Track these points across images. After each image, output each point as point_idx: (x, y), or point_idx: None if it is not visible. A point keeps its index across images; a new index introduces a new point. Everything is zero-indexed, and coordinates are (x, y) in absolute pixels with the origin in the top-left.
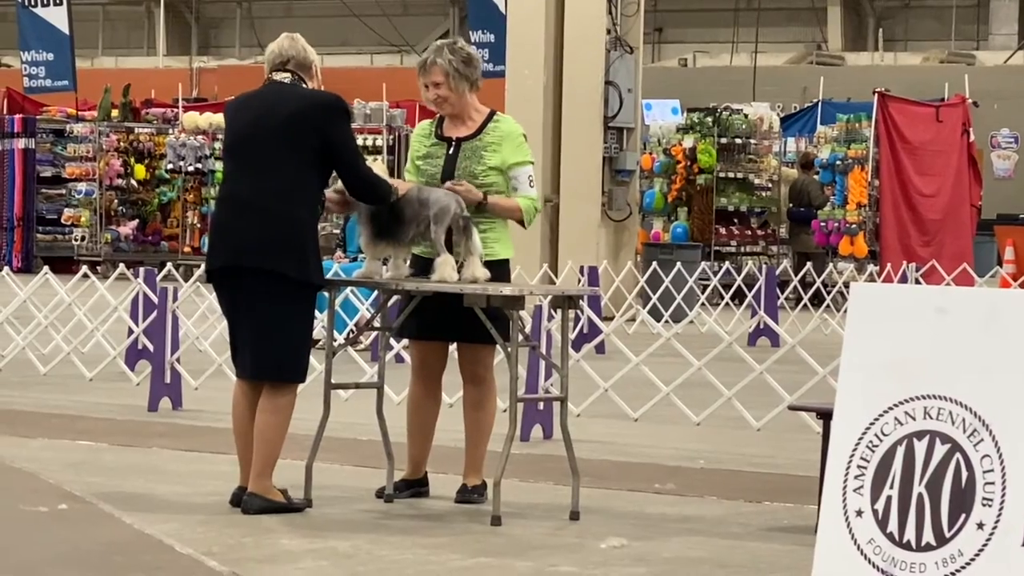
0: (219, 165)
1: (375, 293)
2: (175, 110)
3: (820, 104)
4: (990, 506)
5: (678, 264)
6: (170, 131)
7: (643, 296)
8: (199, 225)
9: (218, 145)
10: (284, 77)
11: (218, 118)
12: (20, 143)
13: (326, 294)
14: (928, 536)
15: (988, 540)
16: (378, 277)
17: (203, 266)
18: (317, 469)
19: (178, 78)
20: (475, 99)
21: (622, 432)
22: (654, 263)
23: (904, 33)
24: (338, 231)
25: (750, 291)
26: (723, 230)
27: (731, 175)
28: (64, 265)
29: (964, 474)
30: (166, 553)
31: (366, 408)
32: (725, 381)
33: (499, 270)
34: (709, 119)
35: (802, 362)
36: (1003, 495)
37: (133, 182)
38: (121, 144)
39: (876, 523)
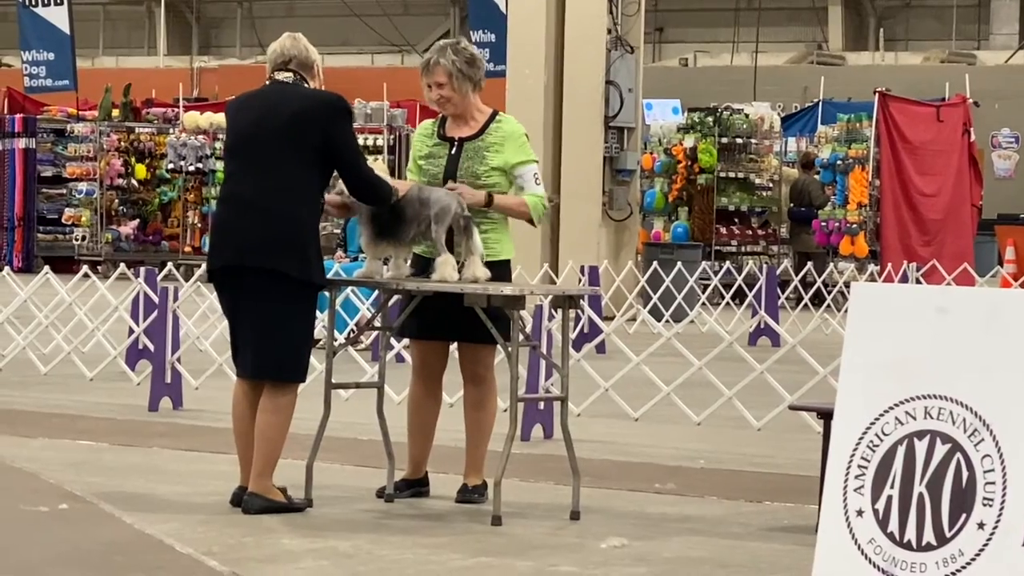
0: (220, 165)
1: (376, 293)
2: (176, 110)
3: (821, 104)
4: (991, 506)
5: (679, 264)
6: (171, 131)
7: (644, 296)
8: (200, 225)
9: (219, 145)
10: (286, 77)
11: (219, 118)
12: (21, 143)
13: (327, 294)
14: (929, 536)
15: (989, 540)
16: (379, 277)
17: (204, 266)
18: (318, 469)
19: (179, 78)
20: (478, 99)
21: (623, 432)
22: (655, 263)
23: (905, 33)
24: (339, 231)
25: (751, 291)
26: (724, 230)
27: (732, 175)
28: (65, 265)
29: (965, 474)
30: (166, 553)
31: (367, 408)
32: (726, 381)
33: (500, 270)
34: (710, 119)
35: (803, 362)
36: (1004, 495)
37: (134, 182)
38: (122, 144)
39: (877, 523)
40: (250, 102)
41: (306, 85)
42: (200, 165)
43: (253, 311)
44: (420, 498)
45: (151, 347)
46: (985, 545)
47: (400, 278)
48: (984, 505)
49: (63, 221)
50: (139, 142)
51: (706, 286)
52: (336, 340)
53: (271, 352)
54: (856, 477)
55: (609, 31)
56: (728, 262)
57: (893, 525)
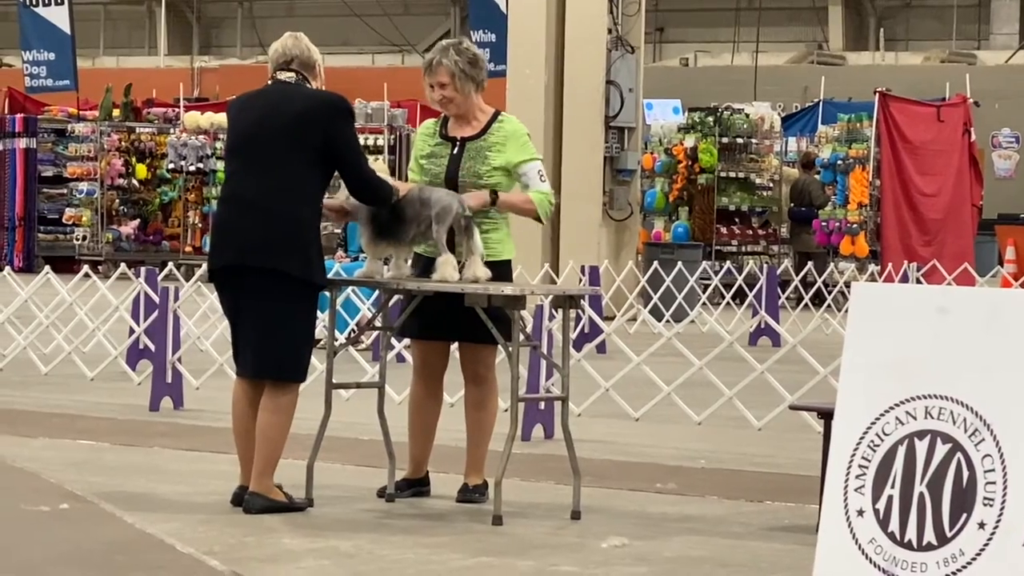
0: (220, 165)
1: (376, 292)
2: (176, 110)
3: (821, 104)
4: (991, 506)
5: (679, 264)
6: (171, 131)
7: (644, 296)
8: (200, 225)
9: (219, 145)
10: (288, 77)
11: (219, 118)
12: (21, 143)
13: (327, 294)
14: (929, 536)
15: (989, 540)
16: (379, 277)
17: (204, 266)
18: (318, 469)
19: (179, 78)
20: (480, 99)
21: (623, 432)
22: (655, 263)
23: (905, 33)
24: (339, 231)
25: (751, 291)
26: (724, 230)
27: (732, 175)
28: (65, 265)
29: (965, 474)
30: (167, 552)
31: (367, 408)
32: (726, 381)
33: (502, 270)
34: (710, 119)
35: (803, 362)
36: (1004, 495)
37: (134, 182)
38: (122, 144)
39: (877, 523)
40: (252, 102)
41: (308, 85)
42: (201, 165)
43: (254, 311)
44: (421, 498)
45: (152, 347)
46: (986, 545)
47: (401, 278)
48: (985, 505)
49: (64, 221)
50: (140, 142)
51: (707, 286)
52: (337, 340)
53: (272, 351)
54: (857, 477)
55: (609, 31)
56: (729, 262)
57: (894, 525)
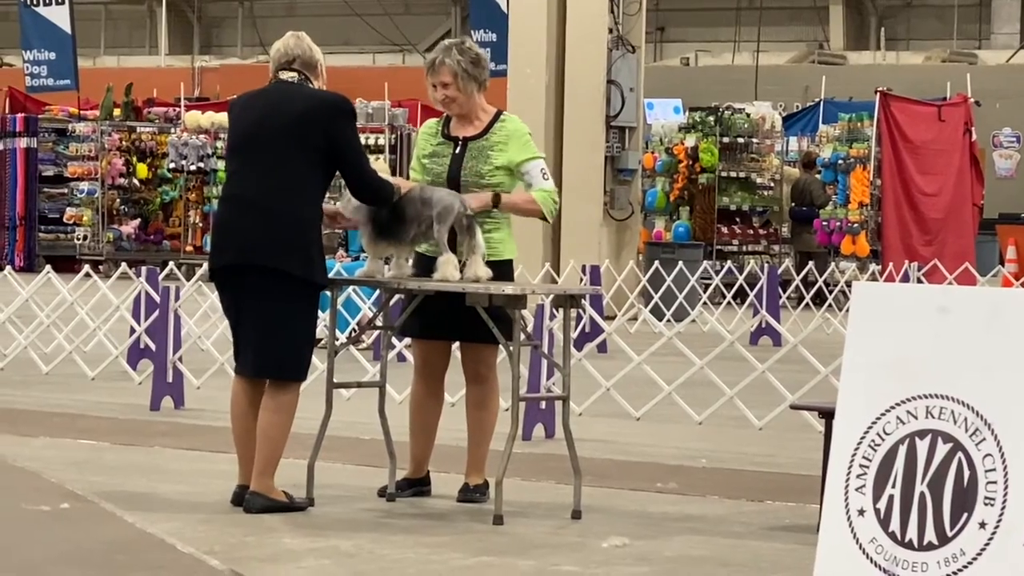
0: (221, 164)
1: (377, 292)
2: (177, 109)
3: (822, 103)
4: (992, 505)
5: (680, 263)
6: (172, 130)
7: (645, 295)
8: (201, 224)
9: (220, 144)
10: (290, 76)
11: (220, 117)
12: (22, 142)
13: (328, 293)
14: (930, 535)
15: (990, 539)
16: (380, 276)
17: (205, 265)
18: (319, 468)
19: (180, 77)
20: (483, 99)
21: (624, 431)
22: (656, 262)
23: (906, 32)
24: (340, 230)
25: (752, 290)
26: (725, 229)
27: (733, 174)
28: (66, 264)
29: (966, 473)
30: (168, 552)
31: (368, 407)
32: (727, 380)
33: (503, 270)
34: (711, 118)
35: (804, 361)
36: (1005, 494)
37: (135, 181)
38: (123, 143)
39: (878, 522)
40: (253, 101)
41: (310, 85)
42: (202, 164)
43: (255, 310)
44: (422, 497)
45: (152, 346)
46: (987, 545)
47: (401, 278)
48: (985, 504)
49: (65, 220)
50: (140, 141)
51: (707, 286)
52: (338, 339)
53: (273, 351)
54: (858, 476)
55: (610, 30)
56: (729, 261)
57: (894, 524)
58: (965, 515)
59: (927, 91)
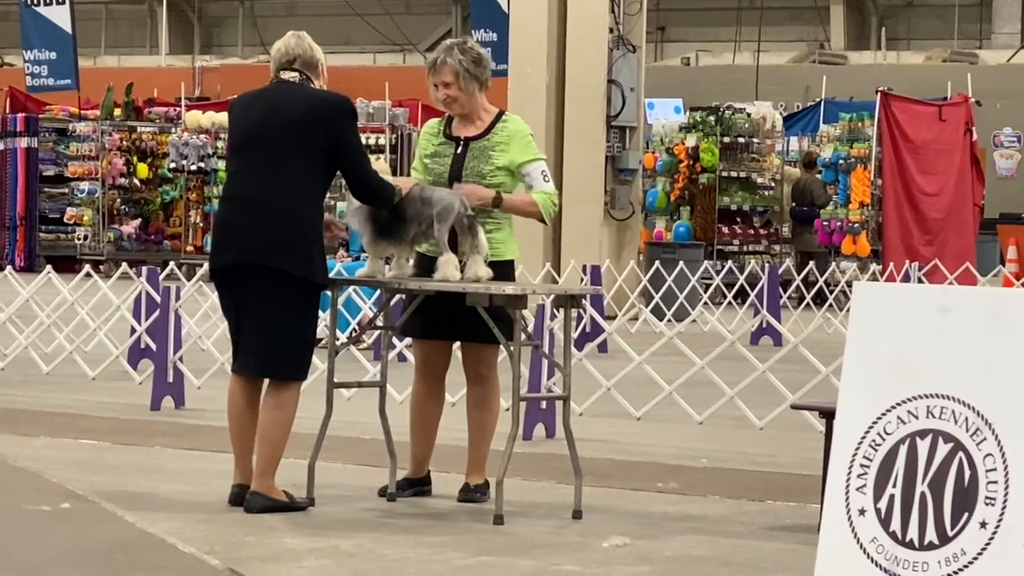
0: (222, 164)
1: (378, 292)
2: (178, 109)
3: (823, 103)
4: (993, 505)
5: (681, 263)
6: (173, 130)
7: (645, 295)
8: (202, 224)
9: (221, 144)
10: (292, 76)
11: (221, 117)
12: (23, 142)
13: (329, 293)
14: (931, 535)
15: (991, 539)
16: (381, 276)
17: (206, 265)
18: (320, 468)
19: (181, 77)
20: (484, 99)
21: (625, 431)
22: (657, 262)
23: (907, 32)
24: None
25: (753, 290)
26: (726, 229)
27: (734, 174)
28: (67, 264)
29: (967, 473)
30: (169, 552)
31: (369, 407)
32: (728, 380)
33: (504, 270)
34: (712, 118)
35: (805, 361)
36: (1006, 494)
37: (136, 181)
38: (124, 143)
39: (879, 522)
40: (254, 101)
41: (311, 85)
42: (202, 164)
43: (256, 310)
44: (422, 497)
45: (153, 346)
46: (987, 544)
47: (402, 277)
48: (986, 504)
49: (65, 220)
50: (141, 141)
51: (708, 285)
52: (338, 339)
53: (273, 350)
54: (858, 476)
55: (611, 30)
56: (730, 261)
57: (895, 524)
58: (966, 515)
59: (928, 91)
